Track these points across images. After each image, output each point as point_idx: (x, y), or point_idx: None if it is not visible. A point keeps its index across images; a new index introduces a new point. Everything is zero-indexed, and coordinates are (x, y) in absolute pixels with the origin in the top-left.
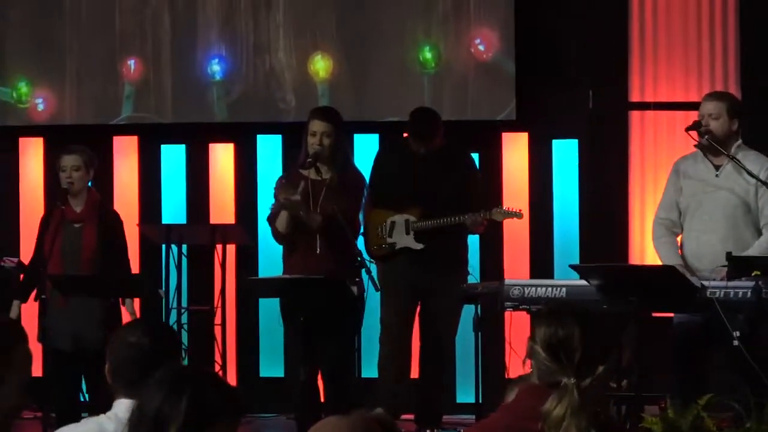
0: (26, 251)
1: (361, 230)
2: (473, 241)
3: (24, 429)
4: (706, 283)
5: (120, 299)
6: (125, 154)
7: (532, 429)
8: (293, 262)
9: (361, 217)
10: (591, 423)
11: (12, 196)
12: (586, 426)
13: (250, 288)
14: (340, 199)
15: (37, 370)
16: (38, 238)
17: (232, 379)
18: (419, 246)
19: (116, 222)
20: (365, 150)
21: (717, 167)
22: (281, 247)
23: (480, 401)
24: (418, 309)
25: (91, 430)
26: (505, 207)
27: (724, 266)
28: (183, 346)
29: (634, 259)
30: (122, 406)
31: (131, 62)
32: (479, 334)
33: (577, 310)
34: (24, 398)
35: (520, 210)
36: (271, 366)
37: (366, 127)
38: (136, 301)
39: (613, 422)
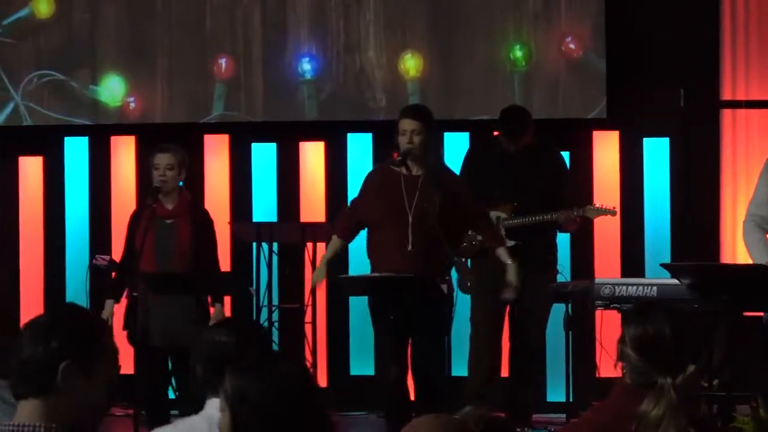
0: (118, 249)
1: None
2: (564, 239)
3: (115, 426)
4: None
5: (210, 301)
6: (216, 153)
7: (626, 429)
8: (383, 261)
9: None
10: (690, 422)
11: (104, 195)
12: (685, 426)
13: (340, 286)
14: (435, 197)
15: (128, 368)
16: (129, 236)
17: (322, 377)
18: (511, 243)
19: (207, 220)
20: (455, 148)
21: None
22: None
23: (570, 400)
24: (508, 307)
25: (183, 431)
26: (598, 204)
27: None
28: (274, 345)
29: (726, 257)
30: (214, 405)
31: (222, 61)
32: (570, 332)
33: (664, 308)
34: (107, 397)
35: (613, 207)
36: (362, 364)
37: (456, 126)
38: (226, 300)
39: (710, 421)
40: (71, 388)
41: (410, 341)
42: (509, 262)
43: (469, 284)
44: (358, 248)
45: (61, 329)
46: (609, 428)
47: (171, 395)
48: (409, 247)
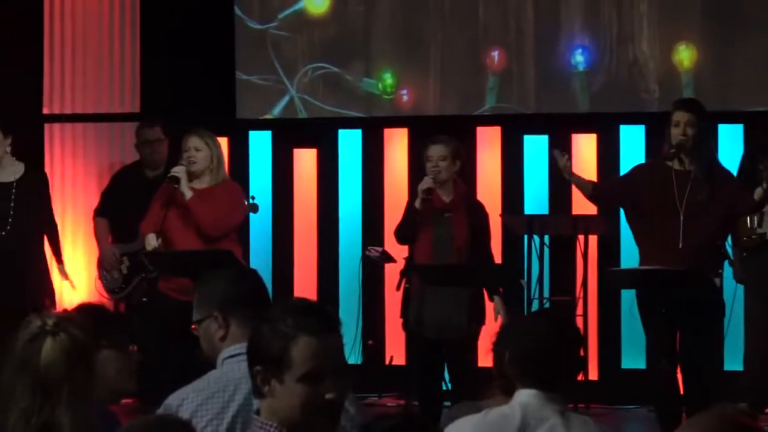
0: (391, 240)
1: None
2: None
3: None
4: None
5: (485, 293)
6: (488, 145)
7: None
8: (653, 256)
9: None
10: None
11: (377, 187)
12: None
13: (611, 279)
14: (707, 192)
15: (400, 358)
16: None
17: (593, 369)
18: None
19: (482, 213)
20: (729, 140)
21: None
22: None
23: None
24: None
25: (494, 422)
26: None
27: None
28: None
29: None
30: (523, 396)
31: (495, 53)
32: None
33: None
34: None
35: None
36: (633, 358)
37: (730, 117)
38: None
39: None
40: (265, 392)
41: (681, 335)
42: None
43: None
44: (630, 241)
45: (255, 335)
46: None
47: (444, 387)
48: (680, 245)
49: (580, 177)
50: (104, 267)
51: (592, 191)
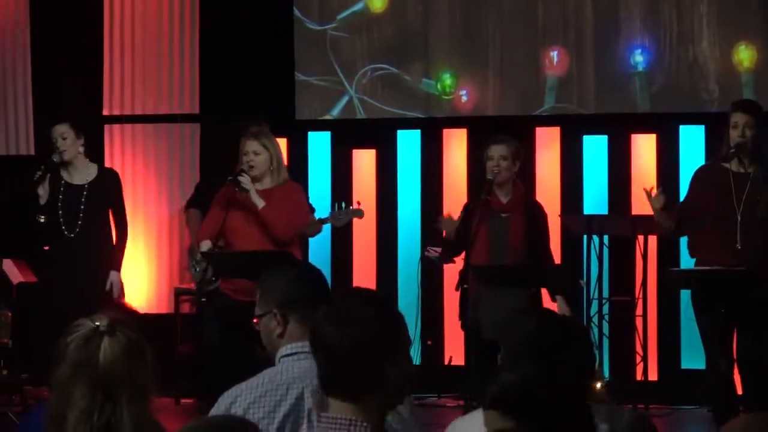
0: None
1: None
2: None
3: (447, 416)
4: None
5: (543, 293)
6: (547, 145)
7: None
8: (711, 257)
9: None
10: None
11: (436, 187)
12: None
13: (670, 279)
14: (766, 192)
15: (460, 359)
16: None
17: (652, 370)
18: None
19: (541, 214)
20: None
21: None
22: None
23: None
24: None
25: (477, 418)
26: None
27: None
28: (594, 337)
29: None
30: None
31: (554, 53)
32: None
33: None
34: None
35: None
36: (693, 358)
37: None
38: None
39: None
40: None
41: (738, 335)
42: None
43: None
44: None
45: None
46: None
47: None
48: (738, 246)
49: (663, 215)
50: (196, 258)
51: (676, 227)
